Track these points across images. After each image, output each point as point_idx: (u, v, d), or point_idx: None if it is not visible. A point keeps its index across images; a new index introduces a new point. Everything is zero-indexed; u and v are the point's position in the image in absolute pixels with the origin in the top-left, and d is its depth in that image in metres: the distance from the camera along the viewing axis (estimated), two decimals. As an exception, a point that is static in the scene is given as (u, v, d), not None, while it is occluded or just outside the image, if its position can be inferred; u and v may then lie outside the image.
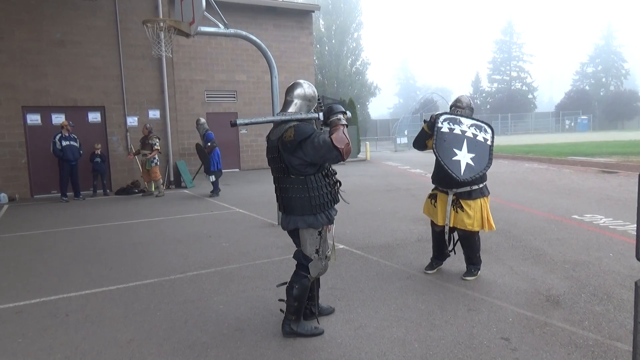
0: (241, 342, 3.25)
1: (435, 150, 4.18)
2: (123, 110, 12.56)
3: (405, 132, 32.68)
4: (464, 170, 4.06)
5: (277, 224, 7.25)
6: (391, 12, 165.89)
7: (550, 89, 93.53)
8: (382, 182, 12.38)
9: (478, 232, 4.34)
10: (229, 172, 17.21)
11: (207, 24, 6.99)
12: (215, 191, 10.92)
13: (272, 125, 3.28)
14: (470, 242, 4.36)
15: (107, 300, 4.20)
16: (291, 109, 3.19)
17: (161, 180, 11.61)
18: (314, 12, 19.55)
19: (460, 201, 4.24)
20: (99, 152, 11.81)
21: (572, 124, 50.07)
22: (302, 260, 3.27)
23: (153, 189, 11.54)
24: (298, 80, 3.31)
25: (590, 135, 34.21)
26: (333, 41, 45.37)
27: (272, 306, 3.87)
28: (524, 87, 60.19)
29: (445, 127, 4.25)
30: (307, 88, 3.23)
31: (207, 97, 17.08)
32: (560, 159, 15.52)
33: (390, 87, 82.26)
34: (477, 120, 4.38)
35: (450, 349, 3.04)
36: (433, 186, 4.53)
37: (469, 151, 4.14)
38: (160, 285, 4.55)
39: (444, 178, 4.24)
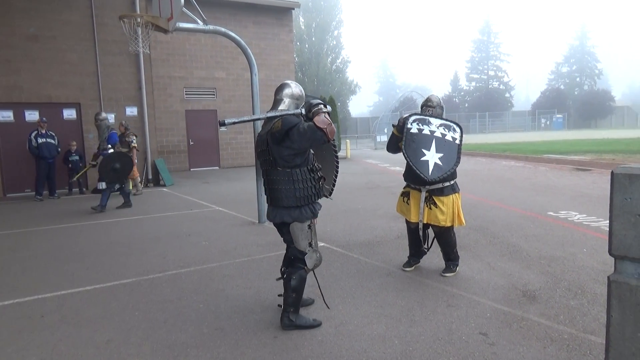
0: (221, 341, 3.23)
1: (404, 151, 4.26)
2: (99, 107, 12.30)
3: (385, 130, 32.84)
4: (432, 170, 4.15)
5: (257, 222, 7.22)
6: (371, 11, 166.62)
7: (526, 88, 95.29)
8: (363, 180, 12.44)
9: (452, 227, 4.41)
10: (208, 170, 17.07)
11: (186, 20, 6.90)
12: (127, 201, 9.21)
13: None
14: (445, 238, 4.43)
15: (84, 300, 4.12)
16: (280, 107, 3.34)
17: (139, 179, 11.44)
18: (294, 9, 19.46)
19: (433, 198, 4.30)
20: (74, 149, 11.55)
21: (548, 122, 51.14)
22: (297, 255, 3.38)
23: (131, 187, 11.35)
24: (286, 81, 3.48)
25: (565, 134, 34.98)
26: (313, 39, 45.32)
27: (252, 305, 3.86)
28: (501, 86, 61.17)
29: (414, 128, 4.32)
30: (294, 88, 3.41)
31: (186, 94, 16.89)
32: (536, 157, 15.82)
33: (370, 86, 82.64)
34: (446, 120, 4.46)
35: (430, 344, 3.08)
36: (405, 184, 4.58)
37: (437, 151, 4.23)
38: (138, 284, 4.49)
39: (416, 175, 4.29)
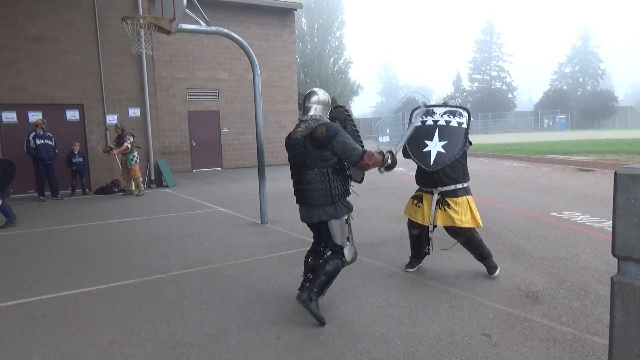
0: (224, 341, 3.23)
1: (406, 147, 4.21)
2: (102, 108, 12.35)
3: (388, 131, 32.87)
4: (434, 159, 4.10)
5: (259, 222, 7.22)
6: (373, 12, 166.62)
7: (529, 88, 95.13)
8: (365, 181, 12.38)
9: (474, 230, 4.30)
10: (210, 170, 17.09)
11: (188, 21, 6.91)
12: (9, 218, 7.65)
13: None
14: (471, 242, 4.31)
15: (86, 301, 4.13)
16: (311, 113, 3.58)
17: (141, 179, 11.47)
18: (296, 10, 19.47)
19: (446, 199, 4.21)
20: (77, 150, 11.58)
21: (551, 123, 51.02)
22: (336, 249, 3.57)
23: (133, 188, 11.39)
24: (313, 89, 3.71)
25: (568, 134, 34.88)
26: (315, 40, 45.39)
27: (255, 305, 3.86)
28: (504, 87, 61.12)
29: (417, 122, 4.28)
30: (321, 95, 3.65)
31: (188, 95, 16.92)
32: (539, 158, 15.79)
33: (373, 86, 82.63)
34: (452, 106, 4.36)
35: (432, 345, 3.07)
36: (417, 187, 4.49)
37: (440, 139, 4.16)
38: (141, 285, 4.50)
39: (427, 178, 4.26)
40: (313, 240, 3.89)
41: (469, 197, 4.28)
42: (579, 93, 60.48)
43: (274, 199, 9.38)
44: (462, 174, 4.27)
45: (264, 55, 17.74)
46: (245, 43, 7.32)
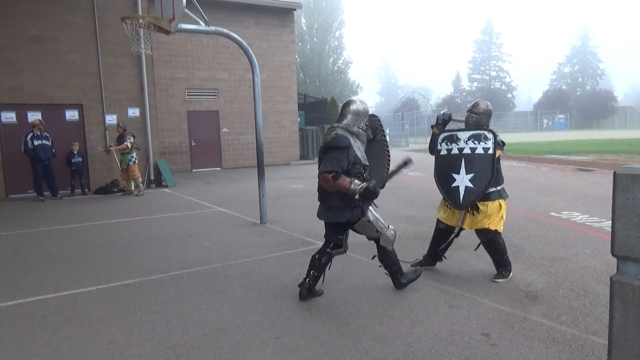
0: (223, 341, 3.23)
1: (436, 180, 4.20)
2: (102, 108, 12.35)
3: (387, 131, 32.85)
4: (463, 196, 4.06)
5: (259, 222, 7.22)
6: (373, 11, 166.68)
7: (528, 88, 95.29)
8: (364, 181, 12.42)
9: (500, 234, 4.25)
10: (210, 170, 17.09)
11: (188, 21, 6.91)
12: None
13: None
14: (493, 245, 4.26)
15: (86, 301, 4.12)
16: (344, 121, 3.71)
17: (141, 179, 11.47)
18: (295, 10, 19.47)
19: (477, 203, 4.14)
20: (76, 150, 11.57)
21: (550, 122, 51.08)
22: (375, 241, 3.95)
23: (133, 188, 11.39)
24: (352, 98, 3.89)
25: (567, 134, 34.91)
26: (315, 39, 45.39)
27: (254, 305, 3.86)
28: (503, 87, 61.21)
29: (443, 150, 4.23)
30: (358, 105, 3.77)
31: (187, 95, 16.92)
32: (538, 157, 15.81)
33: (372, 86, 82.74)
34: (477, 129, 4.21)
35: (432, 345, 3.07)
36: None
37: (467, 172, 4.07)
38: (140, 285, 4.50)
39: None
40: (325, 239, 4.03)
41: (502, 201, 4.20)
42: (578, 93, 60.56)
43: (274, 199, 9.38)
44: (496, 178, 4.18)
45: (264, 55, 17.74)
46: (244, 43, 7.32)
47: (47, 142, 10.74)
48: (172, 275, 4.77)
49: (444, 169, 4.19)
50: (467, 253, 5.13)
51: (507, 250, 4.40)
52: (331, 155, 3.54)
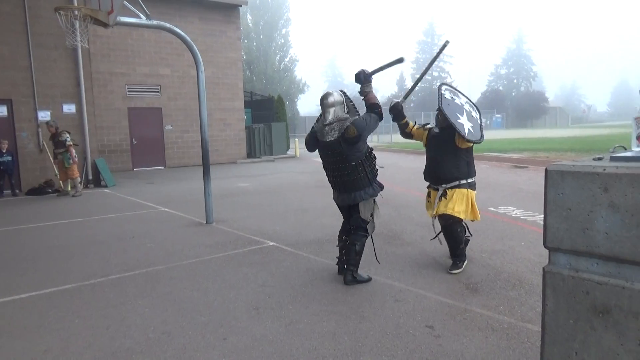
0: (168, 345, 3.14)
1: (443, 109, 4.25)
2: (34, 104, 11.62)
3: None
4: (467, 132, 4.21)
5: (205, 222, 7.08)
6: (319, 10, 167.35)
7: (468, 88, 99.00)
8: (312, 179, 12.48)
9: (461, 223, 4.46)
10: (153, 169, 16.55)
11: (128, 14, 6.64)
12: None
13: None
14: (452, 233, 4.45)
15: (17, 309, 3.87)
16: (331, 116, 4.09)
17: (79, 179, 10.90)
18: (241, 6, 19.22)
19: (447, 191, 4.40)
20: (5, 149, 10.80)
21: (488, 122, 53.39)
22: (361, 224, 4.17)
23: (69, 188, 10.81)
24: (327, 91, 4.27)
25: (504, 133, 36.65)
26: (261, 37, 44.97)
27: (200, 307, 3.78)
28: (445, 87, 63.22)
29: (447, 95, 4.40)
30: (336, 95, 4.17)
31: (128, 91, 16.28)
32: (477, 155, 16.39)
33: (319, 84, 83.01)
34: (470, 100, 4.63)
35: (379, 339, 3.14)
36: (427, 184, 4.71)
37: (468, 120, 4.33)
38: (79, 290, 4.28)
39: (433, 174, 4.49)
40: (343, 219, 4.44)
41: (470, 191, 4.42)
42: (513, 94, 63.76)
43: (220, 198, 9.22)
44: (467, 171, 4.42)
45: (208, 52, 17.38)
46: (188, 38, 7.13)
47: None
48: (113, 279, 4.57)
49: (450, 107, 4.32)
50: (411, 248, 5.27)
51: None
52: (367, 126, 4.03)
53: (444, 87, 4.53)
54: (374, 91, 4.21)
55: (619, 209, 1.46)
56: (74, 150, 10.65)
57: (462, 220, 4.46)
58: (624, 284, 1.47)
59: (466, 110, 4.40)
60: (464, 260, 4.55)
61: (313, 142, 4.30)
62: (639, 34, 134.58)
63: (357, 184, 4.08)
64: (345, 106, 4.17)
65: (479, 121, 4.49)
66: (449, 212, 4.36)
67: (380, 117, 4.14)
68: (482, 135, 4.41)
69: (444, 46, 4.40)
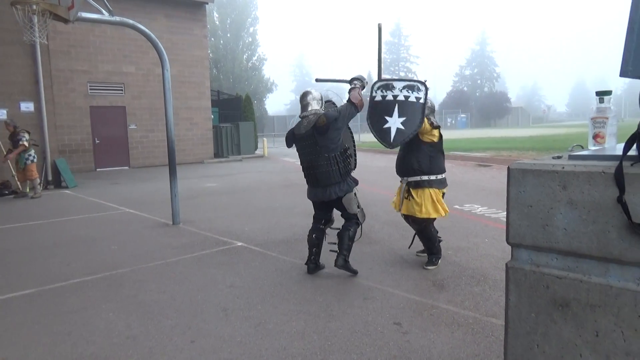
0: (133, 350, 3.06)
1: (368, 122, 4.26)
2: (-12, 101, 11.13)
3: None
4: (394, 136, 4.16)
5: (171, 223, 6.94)
6: (287, 9, 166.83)
7: (434, 89, 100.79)
8: (280, 178, 12.43)
9: (432, 222, 4.52)
10: (117, 170, 16.13)
11: (89, 10, 6.43)
12: None
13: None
14: (426, 235, 4.53)
15: (-28, 316, 3.70)
16: (309, 109, 4.34)
17: (38, 180, 10.51)
18: (207, 4, 18.95)
19: (410, 189, 4.42)
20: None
21: (453, 121, 54.60)
22: (350, 217, 4.32)
23: (28, 189, 10.41)
24: (307, 89, 4.51)
25: (469, 132, 37.50)
26: (228, 35, 44.46)
27: (167, 310, 3.71)
28: (411, 87, 64.17)
29: (378, 96, 4.33)
30: (315, 93, 4.45)
31: (90, 89, 15.80)
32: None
33: (287, 84, 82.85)
34: (410, 80, 4.46)
35: (347, 337, 3.15)
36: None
37: (400, 115, 4.20)
38: (38, 295, 4.13)
39: (398, 166, 4.51)
40: (314, 218, 4.52)
41: (433, 190, 4.38)
42: (477, 94, 65.31)
43: (187, 198, 9.07)
44: (429, 166, 4.36)
45: (174, 49, 17.06)
46: (152, 35, 6.98)
47: None
48: (75, 283, 4.43)
49: (378, 113, 4.27)
50: (379, 246, 5.33)
51: (416, 240, 4.70)
52: (340, 115, 4.19)
53: (376, 86, 4.39)
54: (357, 90, 4.31)
55: (576, 205, 1.51)
56: (22, 149, 10.19)
57: (433, 220, 4.53)
58: (582, 278, 1.52)
59: (400, 102, 4.23)
60: (440, 257, 4.65)
61: (291, 137, 4.47)
62: (595, 37, 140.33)
63: (330, 178, 4.18)
64: (322, 102, 4.41)
65: (421, 100, 4.19)
66: (424, 215, 4.38)
67: (357, 110, 4.25)
68: (421, 120, 4.15)
69: (352, 80, 4.48)
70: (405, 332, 3.21)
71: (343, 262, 4.24)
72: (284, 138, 4.67)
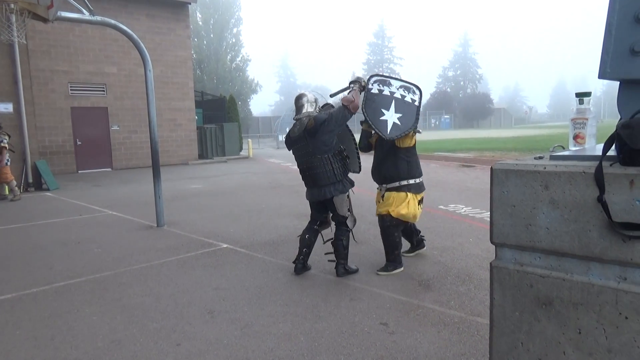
0: (118, 354, 3.03)
1: (363, 111, 4.24)
2: (-34, 102, 10.89)
3: (287, 129, 33.05)
4: (390, 129, 4.19)
5: (155, 225, 6.87)
6: (271, 10, 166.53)
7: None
8: (266, 179, 12.40)
9: (398, 227, 4.42)
10: (99, 171, 15.91)
11: (69, 9, 6.35)
12: None
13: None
14: (387, 236, 4.41)
15: (-50, 323, 3.62)
16: (302, 111, 4.34)
17: (15, 182, 10.29)
18: (190, 4, 18.81)
19: (385, 192, 4.43)
20: None
21: (437, 122, 55.06)
22: (340, 220, 4.36)
23: (7, 192, 10.20)
24: (302, 92, 4.53)
25: (452, 133, 37.86)
26: (212, 35, 44.19)
27: (152, 313, 3.67)
28: (395, 88, 64.56)
29: (375, 89, 4.32)
30: (309, 95, 4.46)
31: (71, 89, 15.55)
32: (427, 155, 16.92)
33: (271, 85, 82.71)
34: (406, 82, 4.46)
35: (334, 338, 3.16)
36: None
37: (396, 111, 4.25)
38: (20, 300, 4.05)
39: (375, 174, 4.53)
40: (311, 218, 4.57)
41: (410, 194, 4.36)
42: (460, 95, 65.98)
43: (171, 200, 8.99)
44: (407, 171, 4.36)
45: (157, 50, 16.91)
46: (134, 35, 6.90)
47: None
48: (58, 287, 4.36)
49: (374, 104, 4.27)
50: (365, 247, 5.35)
51: (402, 240, 4.64)
52: (330, 117, 4.18)
53: (373, 79, 4.40)
54: (353, 92, 4.29)
55: (558, 205, 1.54)
56: (4, 151, 10.00)
57: (399, 224, 4.43)
58: (564, 276, 1.55)
59: (397, 99, 4.30)
60: (397, 267, 4.45)
61: (287, 140, 4.52)
62: (574, 39, 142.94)
63: (324, 178, 4.23)
64: (316, 105, 4.42)
65: (416, 103, 4.34)
66: (391, 213, 4.33)
67: (350, 113, 4.21)
68: (415, 120, 4.28)
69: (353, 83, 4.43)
70: (392, 332, 3.23)
71: (343, 270, 4.36)
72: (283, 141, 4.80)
